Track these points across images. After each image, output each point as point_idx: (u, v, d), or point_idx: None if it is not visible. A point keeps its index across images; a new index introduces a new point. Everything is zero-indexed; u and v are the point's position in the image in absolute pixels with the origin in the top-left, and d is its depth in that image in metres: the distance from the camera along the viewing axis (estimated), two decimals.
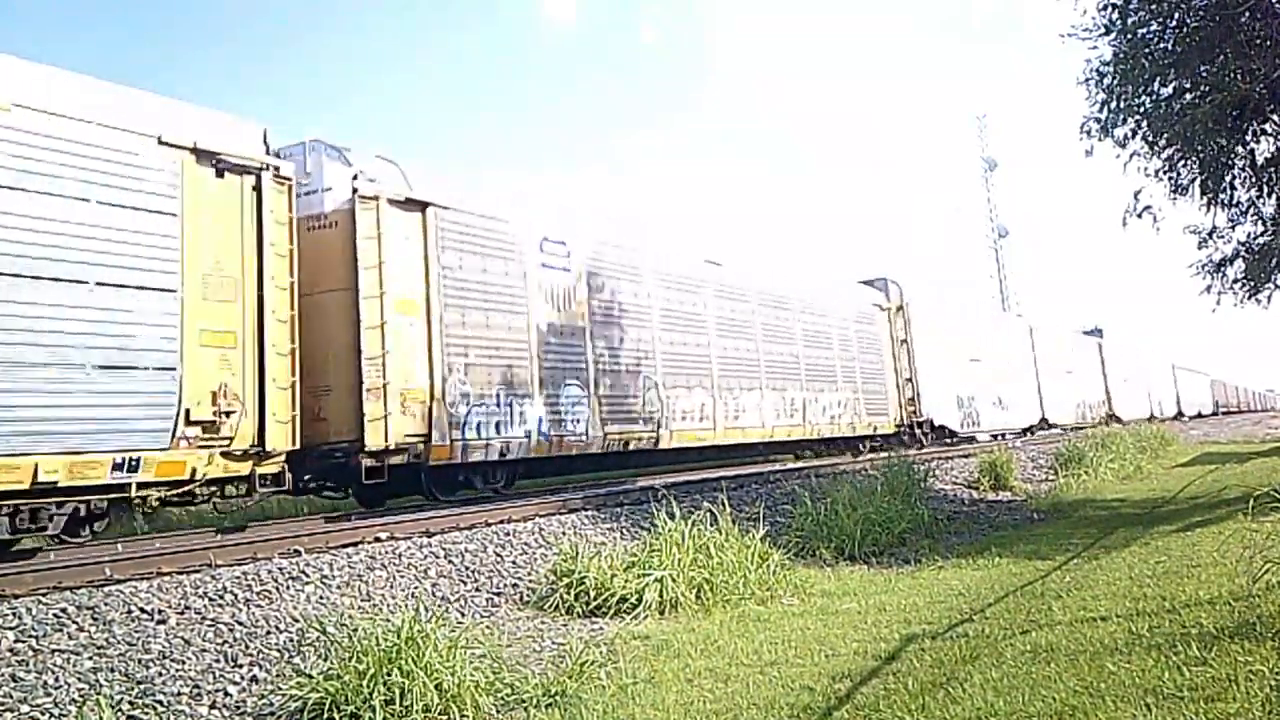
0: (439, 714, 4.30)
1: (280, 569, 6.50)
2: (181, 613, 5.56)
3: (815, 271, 21.29)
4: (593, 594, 6.56)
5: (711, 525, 7.51)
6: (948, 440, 23.03)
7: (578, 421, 12.18)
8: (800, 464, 17.17)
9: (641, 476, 14.64)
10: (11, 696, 4.32)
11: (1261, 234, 12.36)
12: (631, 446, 13.19)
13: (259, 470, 8.42)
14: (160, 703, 4.43)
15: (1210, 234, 12.68)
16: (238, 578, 6.22)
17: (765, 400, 16.52)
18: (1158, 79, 10.91)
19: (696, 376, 14.82)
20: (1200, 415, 54.84)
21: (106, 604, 5.47)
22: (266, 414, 8.37)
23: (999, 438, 25.07)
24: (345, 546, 7.41)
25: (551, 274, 12.33)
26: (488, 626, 5.56)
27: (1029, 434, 28.58)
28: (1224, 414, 62.74)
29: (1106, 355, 38.81)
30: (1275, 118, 11.14)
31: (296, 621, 5.63)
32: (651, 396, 13.61)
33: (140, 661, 4.82)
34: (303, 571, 6.52)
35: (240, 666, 4.97)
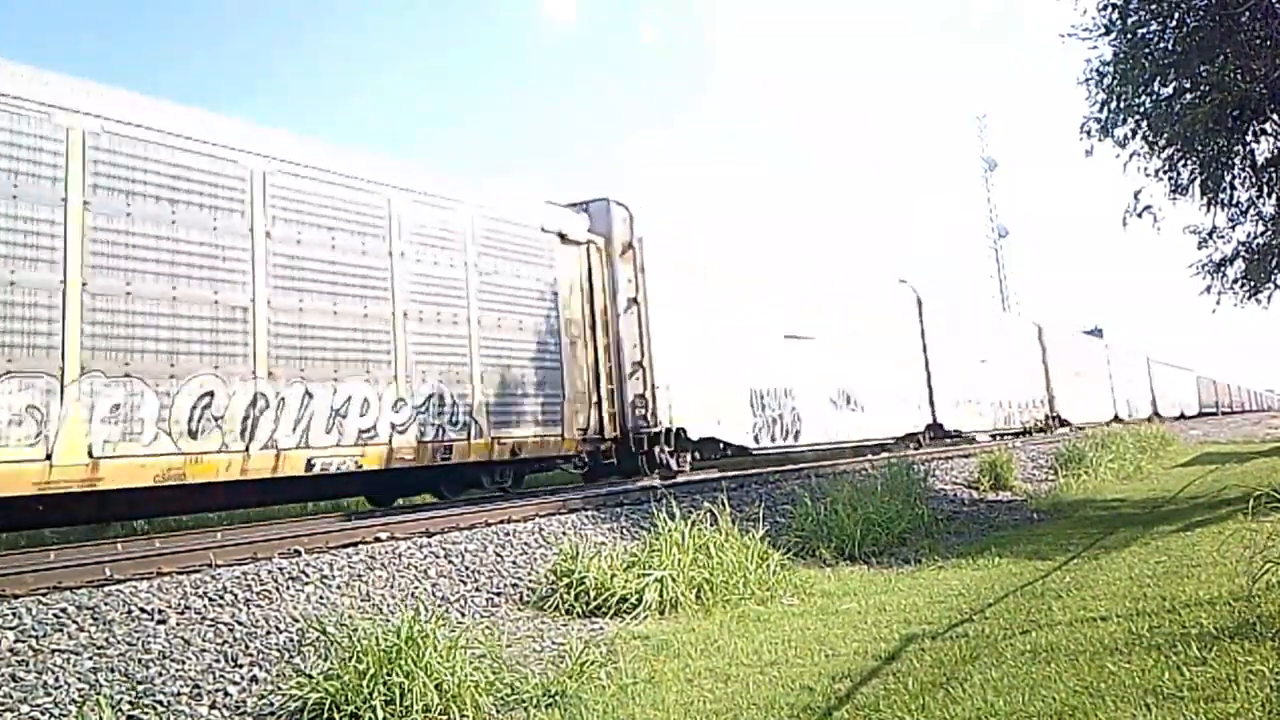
0: (439, 714, 4.30)
1: (280, 569, 6.50)
2: (181, 613, 5.56)
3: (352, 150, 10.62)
4: (593, 594, 6.55)
5: (711, 525, 7.51)
6: (717, 460, 14.98)
7: None
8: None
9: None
10: (11, 696, 4.32)
11: (1261, 234, 12.38)
12: None
13: None
14: (160, 703, 4.43)
15: (1210, 234, 12.72)
16: (238, 578, 6.21)
17: (91, 403, 7.60)
18: (1158, 79, 10.93)
19: None
20: (1184, 416, 50.28)
21: (106, 604, 5.47)
22: None
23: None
24: (345, 546, 7.41)
25: None
26: (488, 626, 5.56)
27: (913, 444, 20.85)
28: (1212, 415, 58.95)
29: (1049, 343, 31.32)
30: (1275, 118, 11.15)
31: (296, 621, 5.63)
32: None
33: (140, 661, 4.82)
34: (303, 571, 6.52)
35: (240, 666, 4.97)
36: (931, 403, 21.95)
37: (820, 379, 17.58)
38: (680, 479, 13.18)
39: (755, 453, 15.45)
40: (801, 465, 15.68)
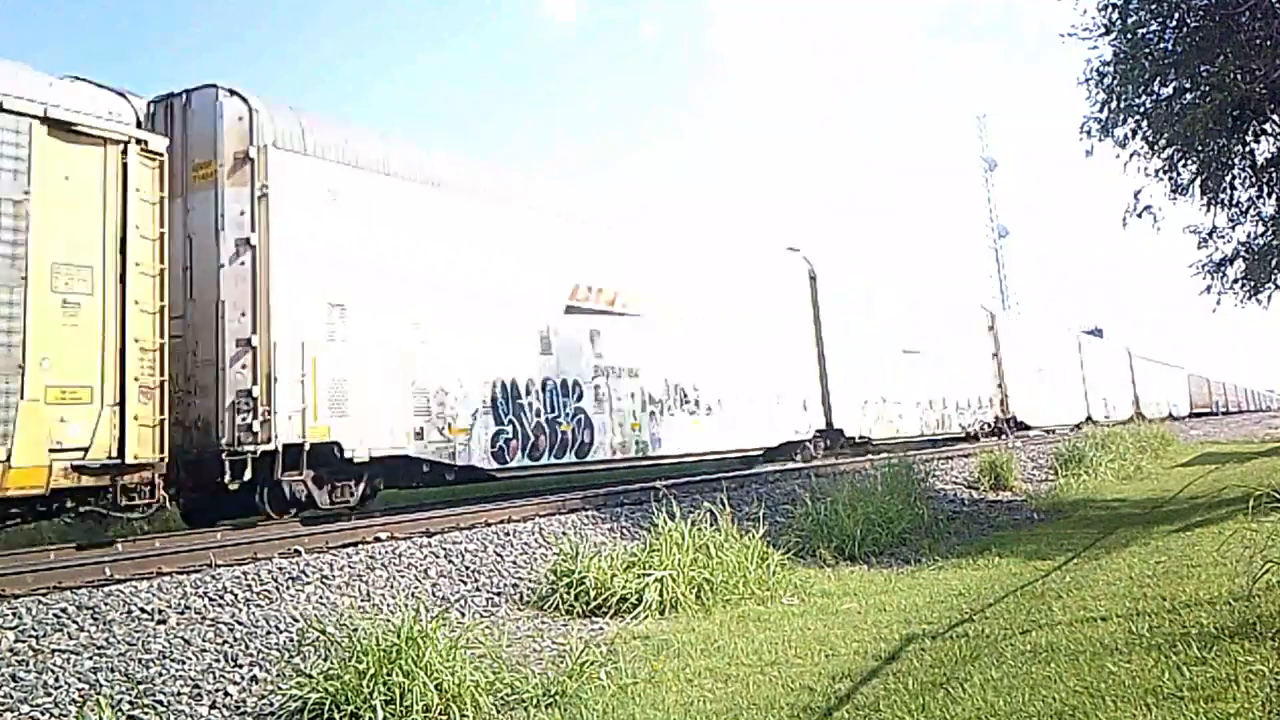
0: (439, 714, 4.30)
1: (280, 569, 6.50)
2: (181, 613, 5.56)
3: None
4: (593, 594, 6.56)
5: (711, 525, 7.51)
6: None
7: None
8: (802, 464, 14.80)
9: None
10: (11, 696, 4.32)
11: (1261, 234, 12.38)
12: None
13: None
14: (160, 703, 4.43)
15: (1210, 234, 12.72)
16: (238, 578, 6.22)
17: None
18: (1158, 79, 10.93)
19: None
20: (1172, 417, 45.00)
21: (106, 604, 5.47)
22: None
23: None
24: (345, 546, 7.42)
25: None
26: (488, 626, 5.56)
27: (798, 456, 16.67)
28: (1208, 415, 55.45)
29: (1004, 333, 27.02)
30: (1275, 118, 11.15)
31: (296, 621, 5.63)
32: None
33: (140, 661, 4.82)
34: (303, 571, 6.53)
35: (240, 666, 4.97)
36: (826, 403, 17.55)
37: (638, 371, 13.20)
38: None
39: (501, 475, 11.14)
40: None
